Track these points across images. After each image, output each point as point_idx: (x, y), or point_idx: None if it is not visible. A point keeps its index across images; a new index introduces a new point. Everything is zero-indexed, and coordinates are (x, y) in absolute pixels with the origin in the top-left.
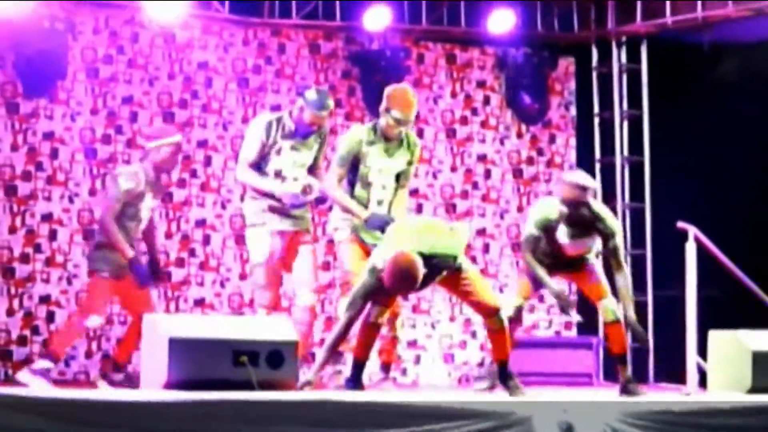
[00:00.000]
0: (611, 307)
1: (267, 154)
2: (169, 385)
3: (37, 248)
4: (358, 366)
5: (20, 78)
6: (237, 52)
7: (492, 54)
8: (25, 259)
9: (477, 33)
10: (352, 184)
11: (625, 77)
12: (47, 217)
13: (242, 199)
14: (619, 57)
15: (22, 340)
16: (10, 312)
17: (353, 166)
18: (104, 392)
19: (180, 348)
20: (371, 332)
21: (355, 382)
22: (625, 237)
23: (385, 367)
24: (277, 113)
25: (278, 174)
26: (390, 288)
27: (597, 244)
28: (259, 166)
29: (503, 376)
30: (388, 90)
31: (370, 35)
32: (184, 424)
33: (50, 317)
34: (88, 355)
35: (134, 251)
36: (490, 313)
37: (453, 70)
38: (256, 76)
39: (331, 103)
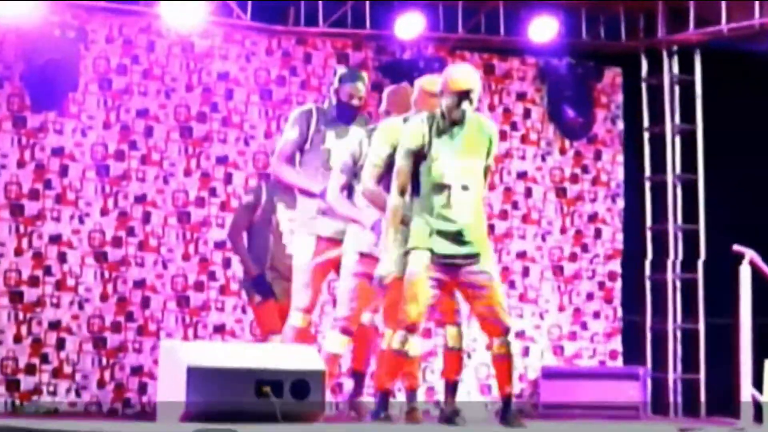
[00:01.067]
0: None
1: (310, 146)
2: (188, 417)
3: (47, 271)
4: (382, 397)
5: (28, 90)
6: (260, 61)
7: (533, 64)
8: (33, 282)
9: (517, 42)
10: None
11: (677, 89)
12: (56, 239)
13: None
14: (670, 67)
15: (30, 369)
16: (17, 338)
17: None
18: (118, 425)
19: (199, 377)
20: (393, 360)
21: (377, 413)
22: (675, 261)
23: (411, 395)
24: (316, 104)
25: (325, 165)
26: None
27: None
28: (301, 162)
29: (507, 414)
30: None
31: (402, 44)
32: None
33: (60, 344)
34: (101, 384)
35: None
36: (498, 332)
37: (491, 82)
38: (280, 87)
39: (365, 75)
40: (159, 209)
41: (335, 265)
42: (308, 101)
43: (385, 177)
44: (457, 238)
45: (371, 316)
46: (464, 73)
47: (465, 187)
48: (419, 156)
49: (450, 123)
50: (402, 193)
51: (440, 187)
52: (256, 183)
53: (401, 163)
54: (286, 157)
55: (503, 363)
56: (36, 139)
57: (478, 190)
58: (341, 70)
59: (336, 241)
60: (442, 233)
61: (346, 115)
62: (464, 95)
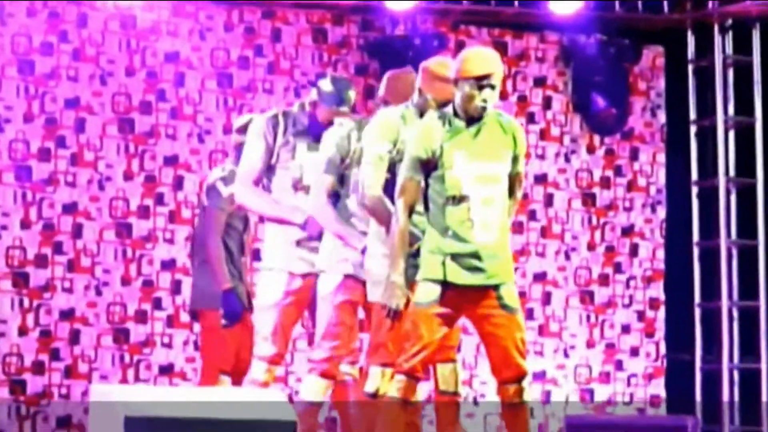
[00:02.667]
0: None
1: (276, 161)
2: None
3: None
4: None
5: None
6: (217, 40)
7: (555, 42)
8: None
9: (535, 15)
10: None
11: (731, 73)
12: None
13: None
14: (723, 46)
15: (38, 367)
16: (22, 331)
17: None
18: None
19: (139, 430)
20: (393, 411)
21: None
22: (731, 284)
23: None
24: (282, 108)
25: (297, 185)
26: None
27: None
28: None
29: None
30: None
31: (393, 18)
32: None
33: (74, 338)
34: None
35: None
36: (512, 377)
37: (503, 64)
38: (243, 71)
39: (352, 95)
40: (93, 221)
41: (310, 303)
42: (277, 89)
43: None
44: (475, 264)
45: (350, 368)
46: (484, 56)
47: (488, 200)
48: (430, 165)
49: (467, 120)
50: (410, 211)
51: (456, 200)
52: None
53: (408, 175)
54: (253, 179)
55: (516, 415)
56: None
57: (502, 202)
58: (325, 84)
59: (313, 278)
60: (457, 258)
61: (318, 131)
62: (484, 82)
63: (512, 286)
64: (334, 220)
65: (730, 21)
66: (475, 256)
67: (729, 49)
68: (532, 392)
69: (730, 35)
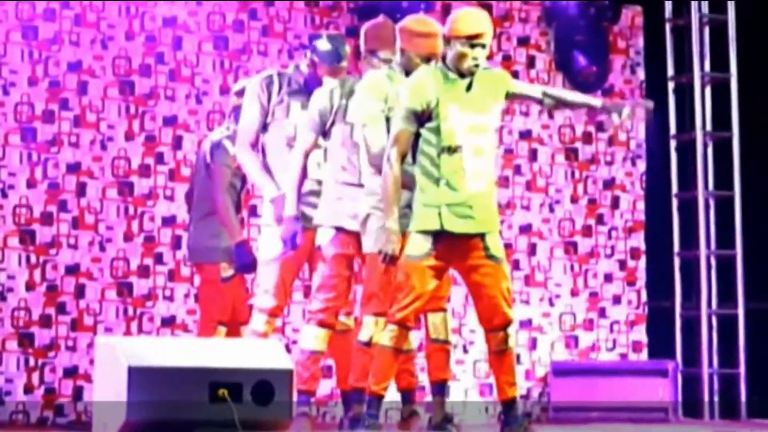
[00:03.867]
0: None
1: (272, 120)
2: (128, 427)
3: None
4: (373, 402)
5: None
6: (213, 4)
7: (537, 4)
8: None
9: None
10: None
11: (707, 31)
12: None
13: None
14: (699, 5)
15: (45, 321)
16: (30, 286)
17: None
18: None
19: (142, 379)
20: (386, 358)
21: (357, 420)
22: (708, 234)
23: (406, 395)
24: (277, 69)
25: (290, 143)
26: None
27: None
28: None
29: (510, 420)
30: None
31: None
32: None
33: (80, 292)
34: (28, 389)
35: None
36: (498, 325)
37: None
38: (238, 34)
39: (347, 49)
40: (96, 180)
41: (309, 257)
42: (271, 51)
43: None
44: (467, 212)
45: (345, 318)
46: (475, 16)
47: (479, 150)
48: (424, 117)
49: (459, 75)
50: (402, 159)
51: (451, 150)
52: None
53: (402, 126)
54: (249, 141)
55: (503, 361)
56: None
57: (491, 153)
58: (322, 44)
59: (312, 232)
60: (452, 207)
61: (316, 85)
62: (475, 41)
63: (497, 236)
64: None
65: None
66: (467, 204)
67: (705, 9)
68: (518, 339)
69: None
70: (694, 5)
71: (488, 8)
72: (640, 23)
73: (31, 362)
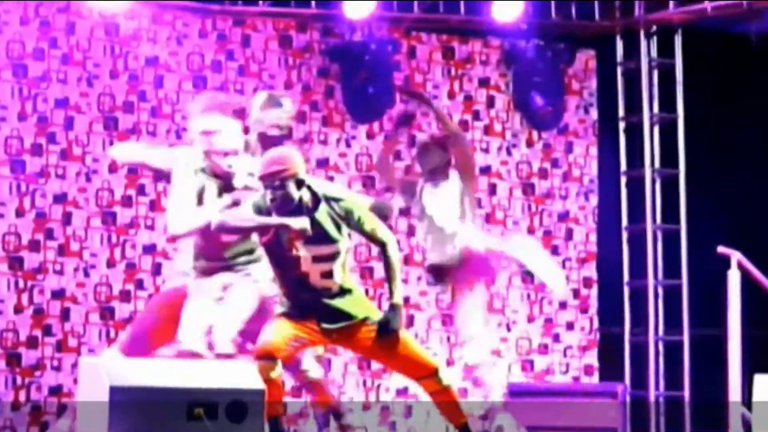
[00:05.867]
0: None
1: None
2: None
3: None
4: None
5: None
6: (193, 45)
7: (497, 47)
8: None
9: (479, 22)
10: None
11: (656, 74)
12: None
13: None
14: (648, 50)
15: (32, 342)
16: (18, 309)
17: None
18: None
19: (123, 398)
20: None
21: None
22: (656, 265)
23: (335, 415)
24: None
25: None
26: None
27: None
28: None
29: None
30: None
31: (351, 25)
32: None
33: (65, 315)
34: (15, 407)
35: None
36: (426, 374)
37: (451, 66)
38: (216, 74)
39: (289, 100)
40: (81, 209)
41: None
42: (247, 89)
43: None
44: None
45: None
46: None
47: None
48: None
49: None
50: None
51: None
52: None
53: None
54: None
55: (443, 400)
56: None
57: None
58: (260, 96)
59: None
60: None
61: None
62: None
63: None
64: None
65: (654, 27)
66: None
67: (654, 53)
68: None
69: (654, 40)
70: (643, 49)
71: (451, 50)
72: (593, 66)
73: (19, 381)
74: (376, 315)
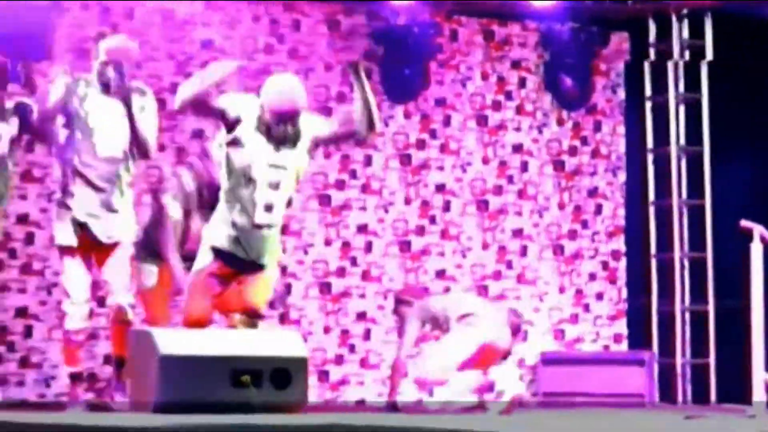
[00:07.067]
0: None
1: None
2: (160, 408)
3: (12, 254)
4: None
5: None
6: (245, 29)
7: (534, 30)
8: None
9: (517, 6)
10: None
11: (686, 55)
12: (23, 219)
13: None
14: (680, 33)
15: None
16: None
17: None
18: (87, 416)
19: (172, 366)
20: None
21: None
22: (682, 238)
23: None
24: None
25: None
26: None
27: None
28: None
29: None
30: None
31: (395, 9)
32: None
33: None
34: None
35: None
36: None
37: (490, 48)
38: (268, 56)
39: None
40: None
41: None
42: (297, 70)
43: None
44: None
45: None
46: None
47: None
48: None
49: None
50: None
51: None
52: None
53: None
54: None
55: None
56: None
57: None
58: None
59: None
60: None
61: None
62: None
63: None
64: None
65: (685, 10)
66: None
67: (685, 35)
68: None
69: (685, 23)
70: (675, 32)
71: (491, 34)
72: (626, 48)
73: None
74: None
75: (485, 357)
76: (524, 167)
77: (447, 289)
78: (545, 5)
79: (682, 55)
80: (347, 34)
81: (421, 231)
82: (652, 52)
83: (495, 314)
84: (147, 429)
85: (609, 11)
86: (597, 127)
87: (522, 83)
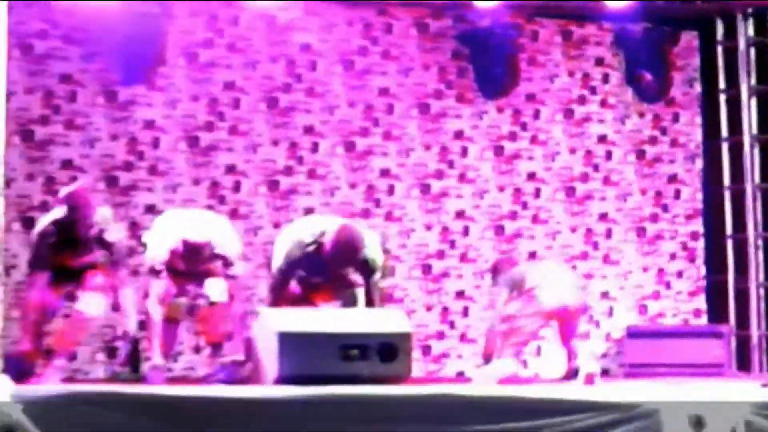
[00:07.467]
0: None
1: None
2: (280, 380)
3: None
4: None
5: (117, 65)
6: (341, 33)
7: (609, 30)
8: None
9: (593, 8)
10: None
11: (752, 51)
12: (150, 209)
13: None
14: (745, 30)
15: None
16: None
17: None
18: (215, 389)
19: (289, 342)
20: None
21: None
22: (756, 220)
23: None
24: None
25: None
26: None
27: None
28: None
29: None
30: None
31: (480, 12)
32: (296, 420)
33: None
34: (196, 349)
35: None
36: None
37: (569, 48)
38: (362, 57)
39: None
40: (249, 178)
41: None
42: (389, 71)
43: None
44: None
45: None
46: None
47: None
48: None
49: None
50: None
51: None
52: None
53: None
54: None
55: None
56: (127, 112)
57: None
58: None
59: None
60: None
61: None
62: None
63: None
64: None
65: (750, 9)
66: None
67: (750, 32)
68: (598, 308)
69: (751, 21)
70: (741, 29)
71: (569, 34)
72: (695, 45)
73: None
74: None
75: (562, 317)
76: (608, 156)
77: None
78: (619, 6)
79: (748, 51)
80: (435, 35)
81: (513, 216)
82: (720, 48)
83: (563, 277)
84: (271, 400)
85: (678, 11)
86: (675, 118)
87: (605, 79)
